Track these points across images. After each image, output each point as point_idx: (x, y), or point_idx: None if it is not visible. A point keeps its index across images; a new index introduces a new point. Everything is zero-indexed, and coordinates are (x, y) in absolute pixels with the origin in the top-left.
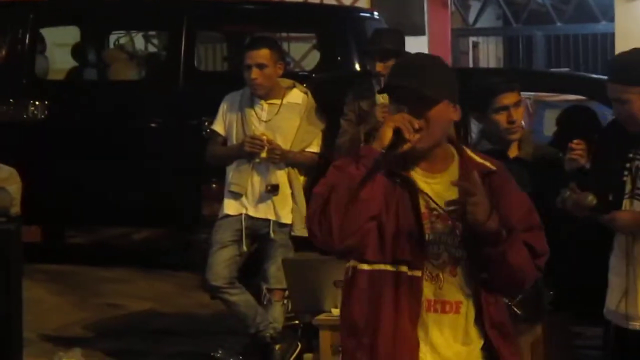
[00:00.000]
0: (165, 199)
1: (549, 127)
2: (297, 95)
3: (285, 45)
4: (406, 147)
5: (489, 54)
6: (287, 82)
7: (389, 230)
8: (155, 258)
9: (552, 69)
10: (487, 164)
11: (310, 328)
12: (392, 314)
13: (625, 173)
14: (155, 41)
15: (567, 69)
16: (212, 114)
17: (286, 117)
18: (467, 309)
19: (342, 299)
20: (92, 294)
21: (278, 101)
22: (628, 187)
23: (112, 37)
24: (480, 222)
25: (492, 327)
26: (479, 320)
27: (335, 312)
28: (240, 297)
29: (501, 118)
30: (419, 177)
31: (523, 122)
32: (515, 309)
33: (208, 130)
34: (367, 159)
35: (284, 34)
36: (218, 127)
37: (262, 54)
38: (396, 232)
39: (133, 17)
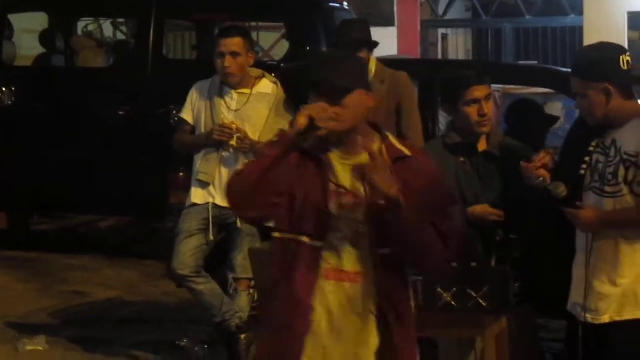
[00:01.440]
0: (132, 187)
1: None
2: (266, 86)
3: (254, 35)
4: (321, 132)
5: (458, 46)
6: (256, 71)
7: (299, 203)
8: (122, 246)
9: (521, 62)
10: (405, 149)
11: None
12: (291, 280)
13: (584, 166)
14: (123, 29)
15: (535, 62)
16: (181, 103)
17: (255, 107)
18: (365, 281)
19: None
20: (57, 282)
21: (248, 91)
22: (587, 180)
23: (81, 24)
24: (380, 188)
25: (385, 299)
26: (374, 293)
27: None
28: (206, 286)
29: (472, 111)
30: (336, 157)
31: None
32: (481, 301)
33: (176, 119)
34: (279, 143)
35: (253, 23)
36: (186, 115)
37: (236, 42)
38: (304, 206)
39: (102, 4)
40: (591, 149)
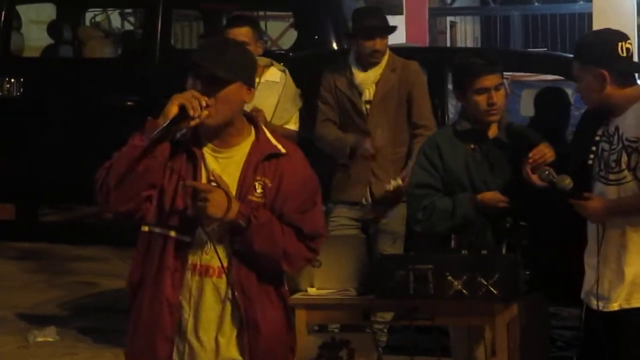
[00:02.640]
0: None
1: (526, 107)
2: (274, 74)
3: (262, 24)
4: (193, 122)
5: (466, 33)
6: (264, 60)
7: (168, 197)
8: (129, 236)
9: (529, 49)
10: (279, 146)
11: None
12: (159, 276)
13: (591, 156)
14: (131, 19)
15: (544, 49)
16: None
17: (264, 96)
18: (229, 274)
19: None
20: (66, 273)
21: (256, 79)
22: (595, 170)
23: (88, 15)
24: (211, 217)
25: (239, 290)
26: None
27: (312, 291)
28: None
29: (481, 99)
30: (209, 151)
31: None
32: (492, 289)
33: None
34: (148, 132)
35: (261, 13)
36: None
37: (245, 32)
38: (173, 199)
39: None
40: (597, 138)
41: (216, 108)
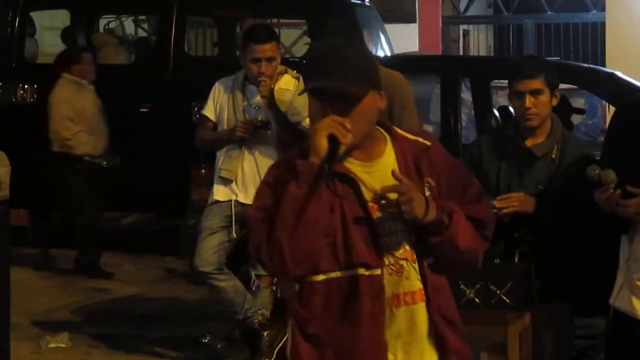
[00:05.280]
0: (154, 184)
1: None
2: (288, 81)
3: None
4: (341, 151)
5: (479, 42)
6: (279, 67)
7: (339, 234)
8: (143, 243)
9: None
10: (420, 139)
11: None
12: (355, 320)
13: None
14: (145, 26)
15: (557, 58)
16: (202, 100)
17: (278, 102)
18: (427, 297)
19: (295, 313)
20: (79, 278)
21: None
22: None
23: (102, 21)
24: (418, 218)
25: (440, 315)
26: (427, 308)
27: None
28: (229, 283)
29: (518, 103)
30: (357, 168)
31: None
32: (504, 297)
33: (198, 116)
34: (306, 175)
35: (274, 20)
36: (208, 112)
37: (271, 47)
38: (346, 234)
39: (123, 1)
40: None
41: (356, 126)
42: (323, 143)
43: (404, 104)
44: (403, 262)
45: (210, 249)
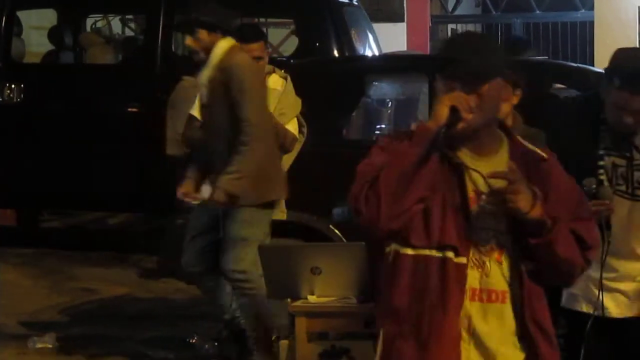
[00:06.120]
0: (141, 184)
1: None
2: (276, 81)
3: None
4: (460, 126)
5: None
6: (267, 67)
7: (436, 213)
8: (131, 243)
9: (531, 57)
10: (538, 151)
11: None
12: (436, 302)
13: (601, 170)
14: (132, 25)
15: (545, 57)
16: None
17: None
18: (512, 299)
19: (383, 283)
20: (67, 279)
21: None
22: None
23: (89, 21)
24: (521, 212)
25: (533, 322)
26: (520, 313)
27: (312, 298)
28: (216, 283)
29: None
30: (468, 158)
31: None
32: None
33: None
34: (421, 138)
35: (262, 19)
36: (196, 111)
37: (259, 47)
38: (442, 215)
39: (110, 1)
40: (601, 152)
41: (482, 108)
42: (444, 112)
43: (242, 87)
44: (486, 259)
45: (199, 249)
